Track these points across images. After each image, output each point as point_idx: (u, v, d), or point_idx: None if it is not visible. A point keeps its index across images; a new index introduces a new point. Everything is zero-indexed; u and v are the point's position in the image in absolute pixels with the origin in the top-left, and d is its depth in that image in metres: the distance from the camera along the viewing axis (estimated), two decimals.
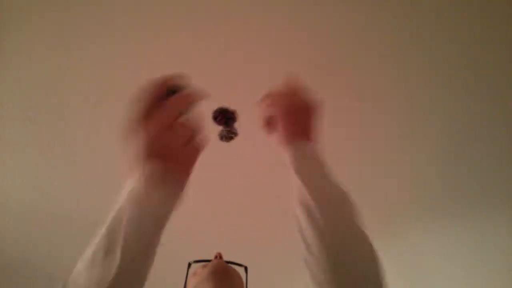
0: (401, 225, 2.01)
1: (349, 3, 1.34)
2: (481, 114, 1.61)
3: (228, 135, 0.74)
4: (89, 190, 1.85)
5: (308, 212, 0.59)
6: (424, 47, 1.43)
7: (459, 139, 1.69)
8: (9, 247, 2.09)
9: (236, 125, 0.75)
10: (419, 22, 1.38)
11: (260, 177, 1.83)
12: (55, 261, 2.07)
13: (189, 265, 0.94)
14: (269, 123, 0.75)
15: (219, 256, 0.93)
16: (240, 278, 0.92)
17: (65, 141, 1.70)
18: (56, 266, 2.04)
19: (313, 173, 0.65)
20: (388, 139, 1.70)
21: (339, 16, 1.37)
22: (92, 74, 1.50)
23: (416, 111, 1.60)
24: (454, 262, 2.16)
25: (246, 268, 0.95)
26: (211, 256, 0.94)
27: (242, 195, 1.91)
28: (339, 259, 0.55)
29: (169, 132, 0.52)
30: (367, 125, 1.65)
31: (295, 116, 0.71)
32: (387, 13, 1.36)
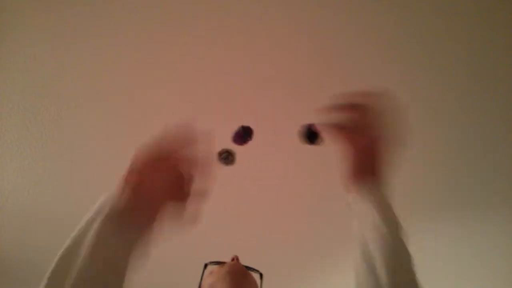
0: (404, 225, 2.00)
1: (350, 4, 1.34)
2: (481, 114, 1.61)
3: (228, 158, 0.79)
4: (89, 190, 1.85)
5: (371, 268, 0.58)
6: (425, 48, 1.43)
7: (459, 139, 1.69)
8: (9, 247, 2.09)
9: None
10: (420, 23, 1.38)
11: (275, 180, 1.83)
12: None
13: (205, 266, 0.95)
14: (340, 130, 0.68)
15: (236, 259, 0.93)
16: (255, 281, 0.92)
17: (65, 141, 1.70)
18: None
19: (382, 217, 0.63)
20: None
21: (340, 16, 1.37)
22: (92, 74, 1.50)
23: (416, 111, 1.60)
24: (454, 262, 2.17)
25: (261, 275, 0.95)
26: (227, 259, 0.95)
27: (259, 198, 1.91)
28: None
29: (162, 176, 0.52)
30: None
31: (370, 152, 0.66)
32: (388, 13, 1.36)
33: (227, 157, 0.79)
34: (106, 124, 1.66)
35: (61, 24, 1.38)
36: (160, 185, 0.52)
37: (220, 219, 1.97)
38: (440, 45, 1.42)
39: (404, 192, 1.89)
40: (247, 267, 0.93)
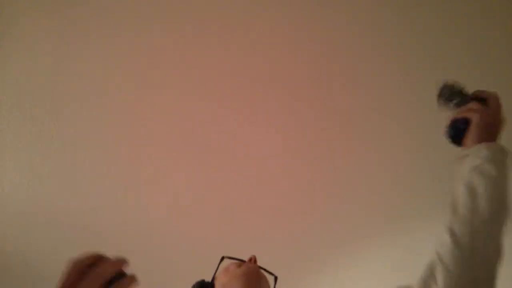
0: (405, 223, 2.00)
1: (351, 5, 1.34)
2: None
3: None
4: (89, 190, 1.85)
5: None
6: (425, 48, 1.43)
7: None
8: (8, 247, 2.09)
9: None
10: (421, 23, 1.38)
11: (281, 179, 1.83)
12: (55, 261, 2.06)
13: (222, 258, 0.95)
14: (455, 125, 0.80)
15: (253, 260, 0.92)
16: (269, 286, 0.91)
17: (65, 141, 1.70)
18: (56, 266, 2.03)
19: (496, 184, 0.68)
20: (388, 139, 1.70)
21: (341, 17, 1.37)
22: (92, 74, 1.50)
23: (416, 111, 1.60)
24: None
25: (276, 278, 0.94)
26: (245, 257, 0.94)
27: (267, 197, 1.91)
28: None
29: None
30: (368, 125, 1.65)
31: (492, 129, 0.76)
32: (389, 13, 1.36)
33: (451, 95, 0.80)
34: (105, 124, 1.65)
35: (61, 24, 1.38)
36: None
37: (225, 216, 1.97)
38: (440, 45, 1.42)
39: (405, 193, 1.89)
40: (263, 268, 0.93)
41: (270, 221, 2.02)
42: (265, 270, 0.93)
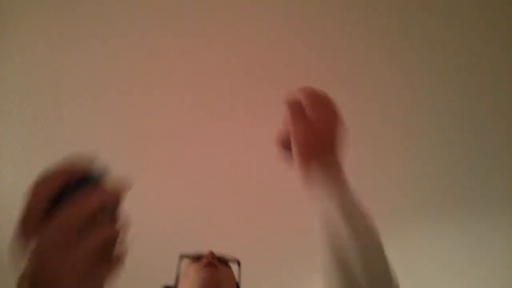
0: (401, 225, 2.00)
1: (351, 6, 1.34)
2: (480, 114, 1.61)
3: None
4: None
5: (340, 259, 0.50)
6: (425, 48, 1.43)
7: (458, 140, 1.69)
8: (8, 247, 2.09)
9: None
10: (419, 23, 1.38)
11: (262, 175, 1.83)
12: None
13: (181, 257, 0.94)
14: (287, 142, 0.60)
15: (210, 254, 0.90)
16: (231, 276, 0.90)
17: (65, 141, 1.70)
18: None
19: (342, 200, 0.54)
20: (387, 139, 1.70)
21: (341, 16, 1.37)
22: (92, 74, 1.50)
23: (416, 111, 1.60)
24: (452, 262, 2.17)
25: (239, 263, 0.95)
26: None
27: (241, 194, 1.91)
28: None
29: (71, 247, 0.34)
30: (367, 126, 1.65)
31: (319, 129, 0.57)
32: (388, 16, 1.36)
33: None
34: (105, 124, 1.66)
35: (61, 25, 1.38)
36: (76, 261, 0.34)
37: (217, 216, 1.97)
38: (440, 45, 1.42)
39: (403, 193, 1.89)
40: (223, 257, 0.91)
41: (270, 221, 2.02)
42: (225, 258, 0.92)
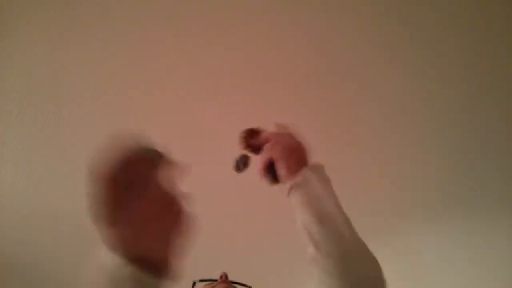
0: (401, 225, 2.01)
1: (351, 6, 1.35)
2: (480, 114, 1.61)
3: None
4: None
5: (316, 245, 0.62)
6: (425, 48, 1.43)
7: (458, 140, 1.69)
8: (8, 247, 2.09)
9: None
10: (420, 24, 1.38)
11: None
12: (54, 261, 2.06)
13: (194, 284, 0.93)
14: (268, 168, 0.74)
15: (224, 277, 0.91)
16: None
17: (65, 141, 1.70)
18: (55, 267, 2.04)
19: (322, 199, 0.66)
20: (387, 139, 1.70)
21: (341, 17, 1.37)
22: (92, 74, 1.50)
23: (416, 111, 1.60)
24: (453, 262, 2.17)
25: None
26: (216, 275, 0.93)
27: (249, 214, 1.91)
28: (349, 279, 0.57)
29: (157, 221, 0.41)
30: (366, 124, 1.65)
31: (295, 154, 0.71)
32: (388, 15, 1.36)
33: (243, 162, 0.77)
34: (106, 124, 1.65)
35: (61, 25, 1.38)
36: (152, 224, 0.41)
37: (217, 216, 1.97)
38: (440, 45, 1.42)
39: (403, 193, 1.89)
40: (236, 282, 0.92)
41: (267, 221, 2.02)
42: (238, 283, 0.92)
